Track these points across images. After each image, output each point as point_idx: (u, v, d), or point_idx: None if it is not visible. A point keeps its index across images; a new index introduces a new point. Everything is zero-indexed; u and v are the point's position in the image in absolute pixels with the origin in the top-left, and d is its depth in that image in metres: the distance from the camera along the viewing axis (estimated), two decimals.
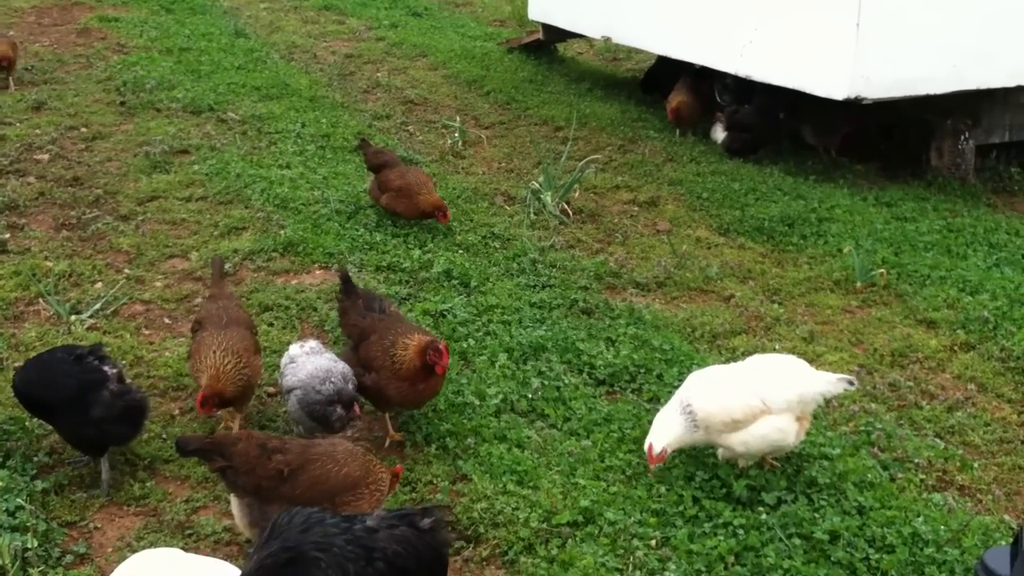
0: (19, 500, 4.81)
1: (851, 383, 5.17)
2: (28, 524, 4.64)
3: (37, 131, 10.32)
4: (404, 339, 5.38)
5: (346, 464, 4.57)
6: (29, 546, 4.35)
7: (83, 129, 10.55)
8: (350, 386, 5.30)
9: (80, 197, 8.77)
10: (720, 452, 5.32)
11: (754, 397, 5.10)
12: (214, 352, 5.40)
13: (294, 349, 5.57)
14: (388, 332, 5.48)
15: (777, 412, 5.10)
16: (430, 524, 3.99)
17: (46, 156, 9.70)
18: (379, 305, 5.74)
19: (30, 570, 4.17)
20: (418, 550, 3.94)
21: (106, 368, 5.17)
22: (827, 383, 5.16)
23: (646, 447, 5.14)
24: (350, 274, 6.16)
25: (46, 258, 7.62)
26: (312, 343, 5.58)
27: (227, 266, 7.51)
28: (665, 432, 5.14)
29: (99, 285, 7.25)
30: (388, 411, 5.64)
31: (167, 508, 5.02)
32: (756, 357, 5.55)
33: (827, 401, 5.57)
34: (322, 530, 3.80)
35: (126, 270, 7.53)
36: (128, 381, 5.46)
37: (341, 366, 5.39)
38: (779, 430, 5.10)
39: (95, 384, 5.09)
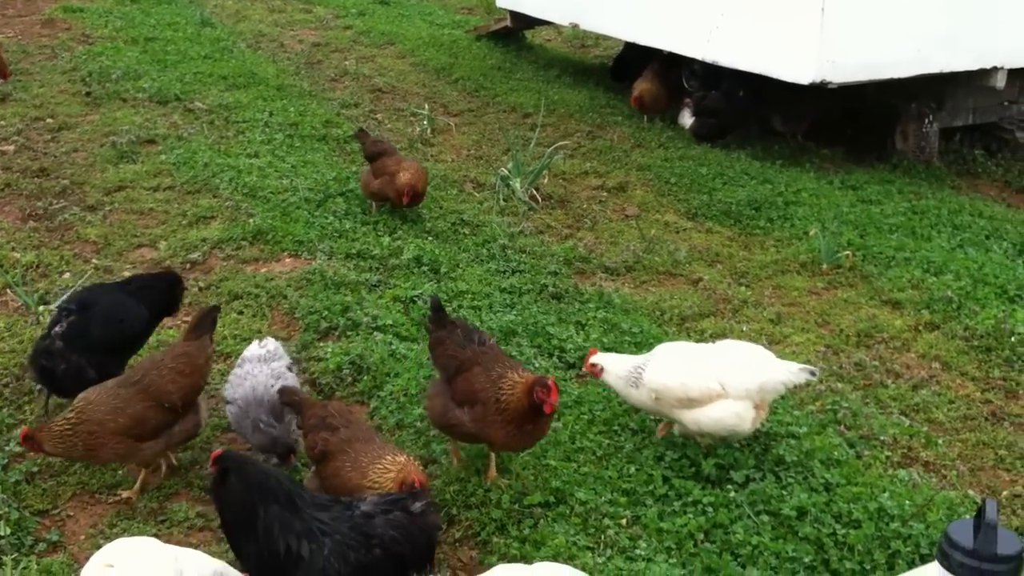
0: None
1: (812, 373, 5.20)
2: (1, 512, 4.64)
3: (2, 122, 10.25)
4: (512, 376, 4.85)
5: (356, 468, 4.43)
6: (2, 534, 4.34)
7: (49, 120, 10.48)
8: (293, 429, 5.05)
9: (47, 188, 8.72)
10: (676, 428, 5.39)
11: (713, 380, 5.15)
12: (74, 411, 4.85)
13: (251, 351, 5.30)
14: (494, 365, 4.95)
15: (735, 398, 5.14)
16: (421, 508, 4.07)
17: (12, 147, 9.63)
18: (478, 337, 5.17)
19: (3, 558, 4.17)
20: (412, 535, 4.02)
21: (55, 328, 5.44)
22: (789, 373, 5.18)
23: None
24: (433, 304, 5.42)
25: (13, 249, 7.58)
26: (271, 345, 5.34)
27: (196, 255, 7.51)
28: (612, 359, 5.43)
29: (67, 275, 7.22)
30: (494, 450, 5.11)
31: (139, 495, 5.02)
32: (726, 342, 5.62)
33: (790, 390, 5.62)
34: (329, 514, 3.97)
35: (94, 260, 7.50)
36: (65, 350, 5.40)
37: (271, 394, 5.05)
38: (735, 415, 5.13)
39: (42, 334, 5.59)
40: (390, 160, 8.26)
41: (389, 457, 4.44)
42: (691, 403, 5.16)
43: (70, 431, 4.75)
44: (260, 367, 5.18)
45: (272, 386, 5.05)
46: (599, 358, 5.44)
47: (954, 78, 10.01)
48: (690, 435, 5.34)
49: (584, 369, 5.56)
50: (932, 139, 10.44)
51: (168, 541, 4.25)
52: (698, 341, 6.64)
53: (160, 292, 5.93)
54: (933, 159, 10.44)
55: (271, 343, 5.37)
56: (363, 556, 3.92)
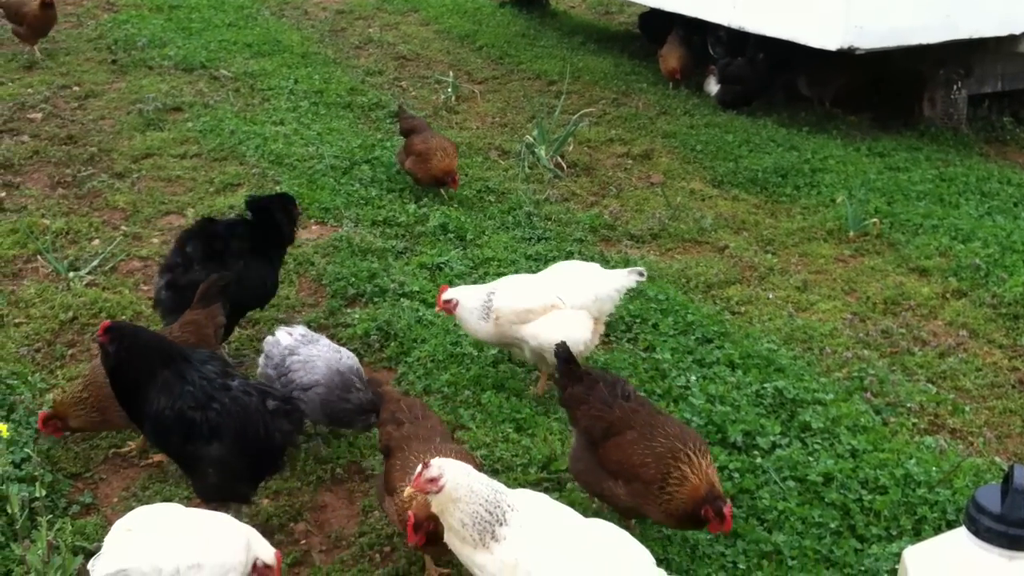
0: (27, 451, 4.88)
1: (641, 274, 5.43)
2: (35, 475, 4.71)
3: (29, 90, 10.31)
4: (683, 466, 4.09)
5: (403, 469, 4.08)
6: (37, 496, 4.40)
7: (75, 88, 10.54)
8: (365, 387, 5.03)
9: (75, 155, 8.78)
10: (524, 351, 5.50)
11: (551, 294, 5.37)
12: (83, 377, 4.95)
13: (286, 339, 5.14)
14: (655, 433, 4.20)
15: (572, 308, 5.35)
16: (273, 407, 4.33)
17: (39, 115, 9.69)
18: (621, 389, 4.44)
19: (38, 519, 4.22)
20: (244, 423, 4.28)
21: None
22: (620, 278, 5.42)
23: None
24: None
25: (43, 216, 7.64)
26: (300, 330, 5.24)
27: None
28: (466, 292, 5.55)
29: (96, 242, 7.28)
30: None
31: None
32: (559, 264, 5.87)
33: (627, 295, 5.75)
34: (201, 373, 4.39)
35: (123, 227, 7.56)
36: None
37: (351, 362, 5.08)
38: (576, 324, 5.34)
39: None
40: (417, 138, 8.18)
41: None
42: (528, 315, 5.33)
43: (85, 396, 4.82)
44: (315, 348, 5.08)
45: (340, 359, 5.02)
46: (452, 293, 5.52)
47: (982, 44, 9.89)
48: (534, 357, 5.48)
49: (438, 309, 5.63)
50: (960, 106, 10.34)
51: (198, 505, 4.31)
52: (723, 309, 6.67)
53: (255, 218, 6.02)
54: (961, 126, 10.36)
55: (298, 328, 5.25)
56: (191, 410, 4.27)
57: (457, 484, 3.52)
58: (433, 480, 3.52)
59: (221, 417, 4.30)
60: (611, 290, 5.42)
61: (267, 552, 3.84)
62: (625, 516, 4.43)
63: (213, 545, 3.73)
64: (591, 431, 4.38)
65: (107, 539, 3.74)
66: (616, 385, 4.45)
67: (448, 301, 5.50)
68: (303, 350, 5.07)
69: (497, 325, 5.39)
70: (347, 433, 5.20)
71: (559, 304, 5.36)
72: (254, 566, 3.78)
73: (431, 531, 3.82)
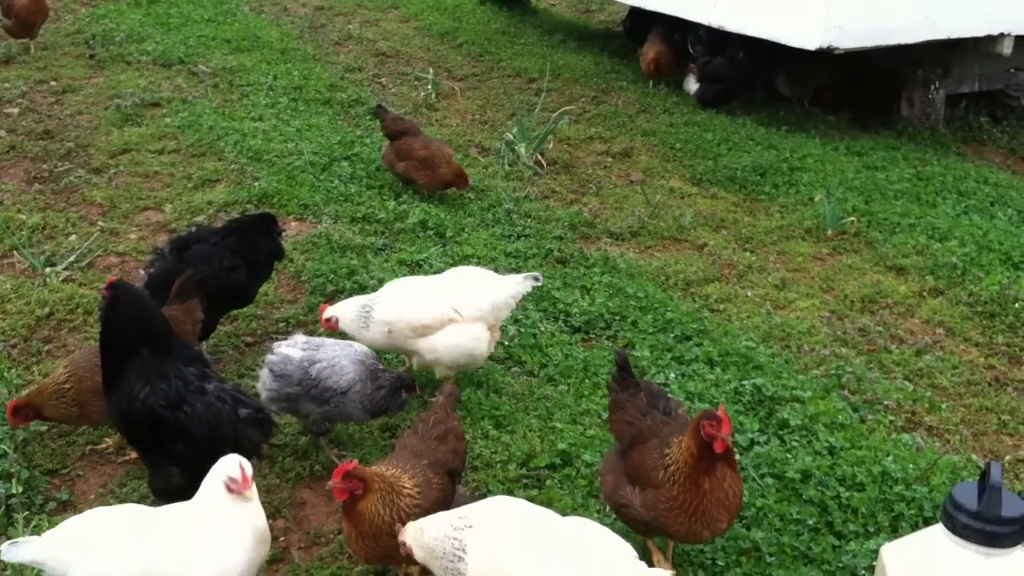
0: (3, 447, 4.84)
1: (536, 279, 5.43)
2: (11, 471, 4.67)
3: (6, 85, 10.23)
4: (674, 441, 4.06)
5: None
6: (13, 492, 4.37)
7: (53, 82, 10.46)
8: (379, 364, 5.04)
9: (52, 150, 8.71)
10: (414, 361, 5.51)
11: (446, 305, 5.32)
12: (65, 368, 4.89)
13: (296, 352, 4.91)
14: (673, 442, 4.06)
15: (470, 320, 5.32)
16: (245, 415, 4.37)
17: (16, 110, 9.62)
18: (664, 405, 4.37)
19: (14, 516, 4.21)
20: (214, 428, 4.31)
21: None
22: (516, 285, 5.40)
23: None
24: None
25: (19, 211, 7.58)
26: (300, 338, 5.04)
27: (201, 219, 7.50)
28: (342, 306, 5.48)
29: (73, 238, 7.23)
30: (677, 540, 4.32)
31: None
32: (452, 270, 5.82)
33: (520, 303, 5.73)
34: (179, 372, 4.37)
35: (100, 222, 7.50)
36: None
37: (364, 348, 5.07)
38: (473, 338, 5.33)
39: None
40: (416, 142, 8.08)
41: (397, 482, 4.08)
42: (425, 330, 5.30)
43: (67, 388, 4.79)
44: (330, 349, 4.98)
45: (356, 351, 5.00)
46: (331, 311, 5.48)
47: (961, 44, 9.96)
48: (427, 366, 5.48)
49: (323, 328, 5.58)
50: (938, 105, 10.41)
51: None
52: (701, 307, 6.68)
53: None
54: (939, 125, 10.43)
55: (298, 338, 5.07)
56: (161, 408, 4.25)
57: (420, 544, 3.72)
58: (403, 545, 3.77)
59: (191, 420, 4.28)
60: (507, 297, 5.39)
61: (228, 468, 3.76)
62: (641, 534, 4.31)
63: (188, 561, 3.64)
64: (622, 437, 4.35)
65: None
66: (659, 398, 4.41)
67: (328, 319, 5.44)
68: (321, 354, 4.91)
69: (390, 338, 5.34)
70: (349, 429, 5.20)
71: (456, 317, 5.30)
72: (225, 486, 3.75)
73: (356, 497, 3.92)
